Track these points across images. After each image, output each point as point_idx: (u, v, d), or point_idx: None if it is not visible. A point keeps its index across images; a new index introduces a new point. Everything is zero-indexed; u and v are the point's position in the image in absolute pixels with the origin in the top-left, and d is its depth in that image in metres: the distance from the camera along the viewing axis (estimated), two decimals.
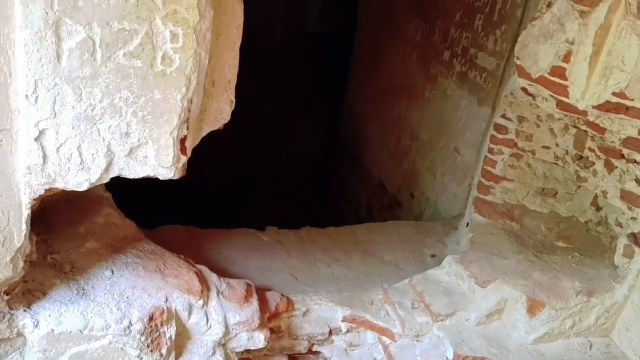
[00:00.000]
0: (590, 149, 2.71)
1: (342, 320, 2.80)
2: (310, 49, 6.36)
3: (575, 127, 2.68)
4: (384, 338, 2.81)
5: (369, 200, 5.48)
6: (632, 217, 2.65)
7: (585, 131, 2.65)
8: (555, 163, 3.12)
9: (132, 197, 3.12)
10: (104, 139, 1.58)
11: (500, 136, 3.21)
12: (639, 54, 2.08)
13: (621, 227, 2.83)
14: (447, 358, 2.61)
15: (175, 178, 1.70)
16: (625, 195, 2.62)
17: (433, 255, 3.46)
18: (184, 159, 1.70)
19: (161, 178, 1.69)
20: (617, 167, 2.63)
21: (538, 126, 3.04)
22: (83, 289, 2.07)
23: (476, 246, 3.03)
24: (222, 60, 1.72)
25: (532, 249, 3.03)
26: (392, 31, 4.96)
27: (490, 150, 3.28)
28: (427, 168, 4.46)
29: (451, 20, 4.07)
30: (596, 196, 3.08)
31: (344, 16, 5.98)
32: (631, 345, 2.68)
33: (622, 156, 2.56)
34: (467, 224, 3.36)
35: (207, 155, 2.83)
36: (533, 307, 2.62)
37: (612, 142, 2.51)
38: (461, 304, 2.75)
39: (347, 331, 2.85)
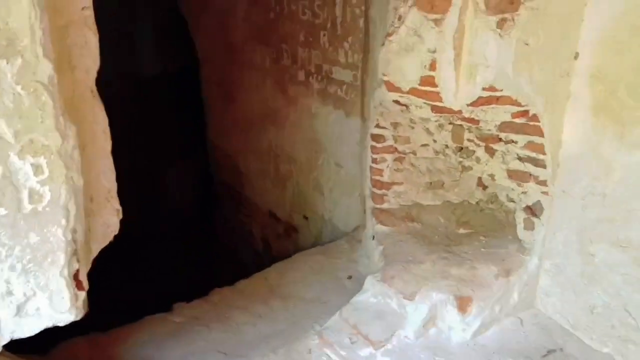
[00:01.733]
0: (469, 140, 2.83)
1: None
2: (156, 92, 6.06)
3: (450, 123, 2.77)
4: None
5: (263, 233, 5.35)
6: (522, 192, 2.81)
7: (461, 125, 2.75)
8: (436, 157, 3.23)
9: None
10: None
11: (379, 145, 3.26)
12: (497, 47, 2.18)
13: (513, 202, 2.99)
14: None
15: (78, 319, 1.47)
16: (512, 174, 2.78)
17: (349, 277, 3.44)
18: (82, 294, 1.47)
19: (62, 324, 1.45)
20: (497, 150, 2.78)
21: (413, 128, 3.12)
22: None
23: (390, 258, 3.04)
24: (95, 170, 1.51)
25: (441, 244, 3.11)
26: (239, 61, 4.87)
27: (374, 161, 3.32)
28: (314, 187, 4.43)
29: (296, 41, 4.06)
30: (480, 177, 3.24)
31: (183, 53, 5.75)
32: (555, 308, 2.85)
33: (500, 140, 2.70)
34: (373, 237, 3.37)
35: None
36: (463, 305, 2.69)
37: (489, 129, 2.63)
38: (396, 322, 2.75)
39: None
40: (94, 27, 1.52)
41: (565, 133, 2.56)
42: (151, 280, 5.78)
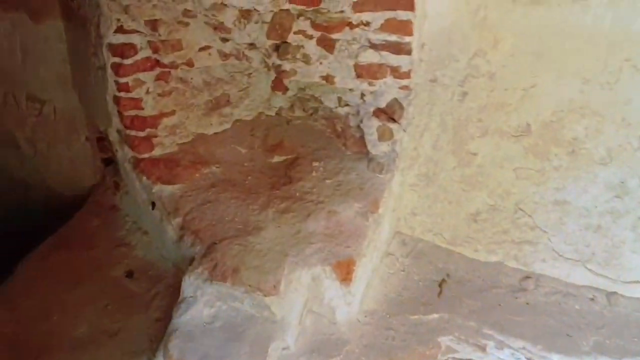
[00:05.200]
0: (298, 32, 1.93)
1: None
2: None
3: (272, 10, 1.82)
4: None
5: None
6: (371, 92, 2.10)
7: (288, 10, 1.83)
8: (223, 64, 2.26)
9: None
10: None
11: (129, 61, 2.12)
12: None
13: (348, 106, 2.27)
14: None
15: None
16: (362, 71, 2.02)
17: (130, 274, 2.36)
18: None
19: None
20: (339, 40, 1.96)
21: (187, 25, 2.05)
22: None
23: (205, 235, 2.09)
24: None
25: (264, 188, 2.28)
26: None
27: (122, 87, 2.18)
28: None
29: None
30: (277, 78, 2.40)
31: None
32: (425, 227, 2.38)
33: (349, 24, 1.88)
34: (153, 204, 2.30)
35: None
36: (343, 271, 1.97)
37: (340, 10, 1.78)
38: (263, 334, 1.88)
39: None
40: None
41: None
42: None
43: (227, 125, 2.50)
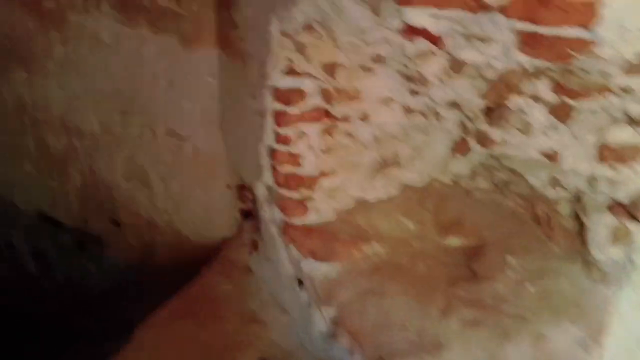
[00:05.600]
0: (527, 94, 1.44)
1: None
2: None
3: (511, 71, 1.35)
4: None
5: (34, 247, 3.43)
6: (609, 179, 1.56)
7: (525, 70, 1.34)
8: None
9: None
10: None
11: (294, 110, 1.73)
12: None
13: (562, 187, 1.73)
14: None
15: None
16: (607, 151, 1.49)
17: None
18: None
19: None
20: (578, 108, 1.44)
21: (370, 71, 1.62)
22: None
23: (368, 344, 1.63)
24: None
25: (443, 283, 1.78)
26: None
27: (282, 139, 1.79)
28: (129, 174, 2.73)
29: None
30: (464, 139, 1.92)
31: None
32: None
33: (604, 90, 1.36)
34: (300, 282, 1.89)
35: None
36: None
37: (604, 72, 1.27)
38: None
39: None
40: None
41: None
42: None
43: (393, 191, 2.04)
